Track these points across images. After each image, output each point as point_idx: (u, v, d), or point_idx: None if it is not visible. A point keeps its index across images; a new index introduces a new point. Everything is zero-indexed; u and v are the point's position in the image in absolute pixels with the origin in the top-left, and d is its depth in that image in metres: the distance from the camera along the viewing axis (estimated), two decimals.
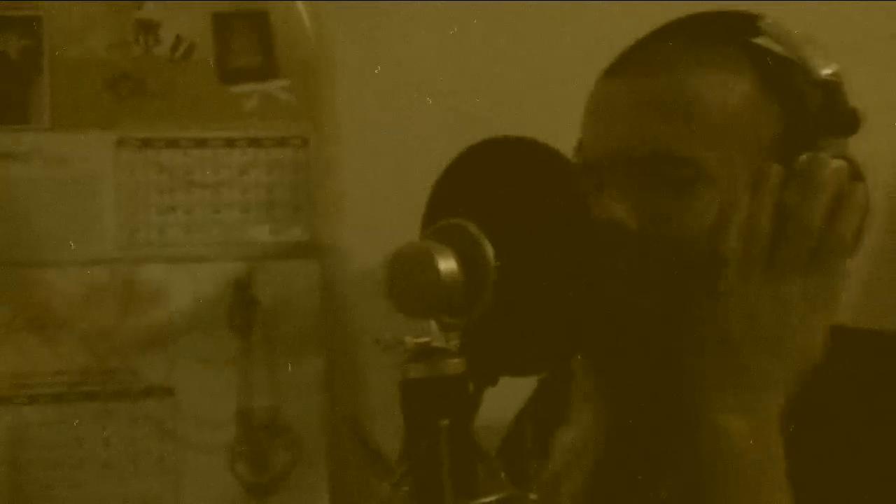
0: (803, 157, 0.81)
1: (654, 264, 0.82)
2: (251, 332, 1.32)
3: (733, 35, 0.87)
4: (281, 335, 1.33)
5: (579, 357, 0.85)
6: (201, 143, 1.33)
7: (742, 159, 0.83)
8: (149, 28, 1.32)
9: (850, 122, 0.83)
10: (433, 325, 0.69)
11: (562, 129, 0.93)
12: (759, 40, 0.87)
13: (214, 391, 1.31)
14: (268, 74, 1.34)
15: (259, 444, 1.32)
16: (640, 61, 0.86)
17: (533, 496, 0.69)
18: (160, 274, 1.31)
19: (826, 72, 0.83)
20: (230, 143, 1.33)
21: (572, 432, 0.87)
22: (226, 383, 1.31)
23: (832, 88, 0.83)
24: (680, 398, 0.80)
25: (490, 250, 0.69)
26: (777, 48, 0.86)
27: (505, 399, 0.83)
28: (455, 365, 0.68)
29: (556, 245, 0.70)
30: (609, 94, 0.87)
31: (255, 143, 1.34)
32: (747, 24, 0.86)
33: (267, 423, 1.32)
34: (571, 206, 0.71)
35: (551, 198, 0.71)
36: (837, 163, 0.81)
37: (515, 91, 1.36)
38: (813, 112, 0.83)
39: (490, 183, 0.73)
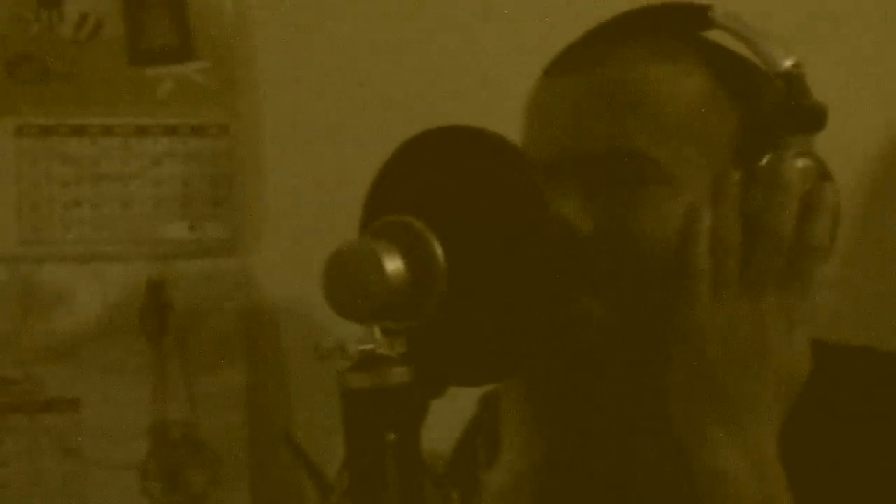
0: (766, 158, 0.81)
1: (611, 271, 0.82)
2: (165, 339, 1.31)
3: (683, 28, 0.87)
4: (198, 342, 1.32)
5: (510, 379, 0.84)
6: (110, 131, 1.32)
7: (700, 160, 0.83)
8: (51, 3, 1.30)
9: (814, 118, 0.83)
10: (377, 330, 0.69)
11: (505, 121, 0.93)
12: (712, 33, 0.87)
13: (124, 404, 1.30)
14: (183, 56, 1.33)
15: (174, 463, 1.31)
16: (586, 57, 0.86)
17: None
18: (65, 274, 1.30)
19: (786, 64, 0.83)
20: (142, 130, 1.32)
21: (500, 476, 0.86)
22: (137, 395, 1.30)
23: (793, 82, 0.83)
24: (645, 429, 0.81)
25: (439, 249, 0.68)
26: (731, 40, 0.86)
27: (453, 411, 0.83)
28: (401, 374, 0.68)
29: (511, 244, 0.70)
30: (555, 91, 0.86)
31: (169, 130, 1.33)
32: (697, 15, 0.86)
33: (182, 438, 1.31)
34: (528, 200, 0.70)
35: (505, 191, 0.71)
36: (803, 162, 0.82)
37: (454, 76, 1.36)
38: (773, 108, 0.83)
39: (437, 176, 0.73)
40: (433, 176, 0.73)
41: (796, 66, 0.83)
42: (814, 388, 0.80)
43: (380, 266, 0.67)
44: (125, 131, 1.32)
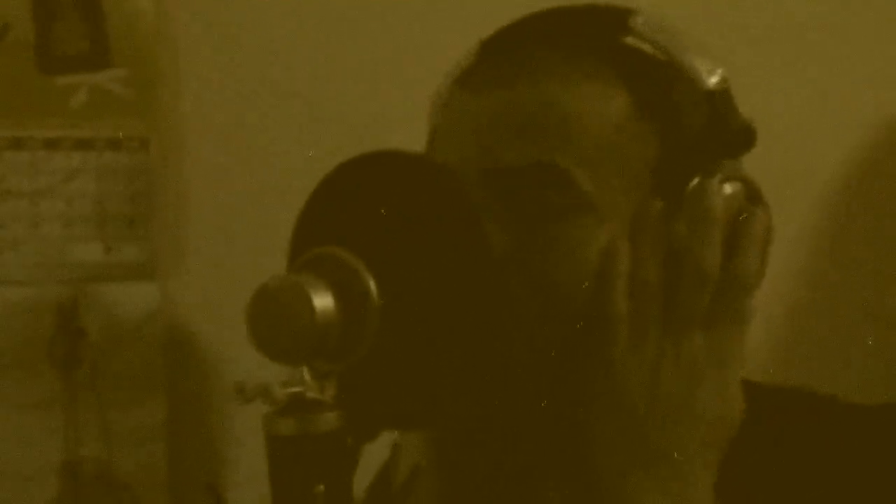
0: (691, 185, 0.81)
1: (530, 309, 0.81)
2: (77, 370, 1.30)
3: (601, 36, 0.86)
4: (113, 373, 1.31)
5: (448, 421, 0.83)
6: (17, 145, 1.30)
7: (622, 188, 0.82)
8: None
9: (742, 139, 0.83)
10: (305, 371, 0.69)
11: None
12: (632, 40, 0.86)
13: (33, 440, 1.29)
14: (98, 63, 1.32)
15: (88, 503, 1.29)
16: (503, 74, 0.85)
17: None
18: None
19: (711, 82, 0.83)
20: (52, 144, 1.31)
21: None
22: (47, 430, 1.29)
23: (719, 100, 0.83)
24: (554, 475, 0.81)
25: (373, 284, 0.69)
26: (652, 51, 0.85)
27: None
28: (331, 419, 0.69)
29: (450, 279, 0.70)
30: (470, 107, 0.86)
31: (83, 144, 1.32)
32: (618, 22, 0.86)
33: (97, 477, 1.30)
34: (467, 233, 0.71)
35: (443, 224, 0.71)
36: (731, 188, 0.82)
37: (389, 87, 1.37)
38: (698, 131, 0.83)
39: (369, 205, 0.73)
40: (365, 204, 0.73)
41: (722, 81, 0.84)
42: (747, 431, 0.81)
43: (308, 303, 0.68)
44: (34, 145, 1.31)
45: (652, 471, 0.78)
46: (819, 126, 1.49)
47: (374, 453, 0.74)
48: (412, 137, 0.90)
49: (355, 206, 0.74)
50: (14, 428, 1.29)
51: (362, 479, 0.74)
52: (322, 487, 0.67)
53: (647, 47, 0.85)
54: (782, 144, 1.41)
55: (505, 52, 0.87)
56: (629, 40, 0.86)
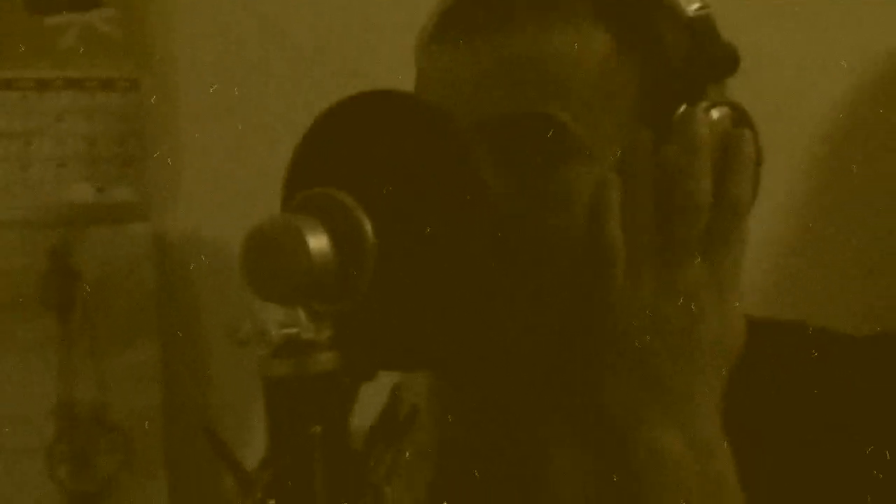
0: (678, 113, 0.82)
1: (528, 253, 0.82)
2: (71, 312, 1.31)
3: None
4: (107, 315, 1.31)
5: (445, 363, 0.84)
6: (7, 85, 1.30)
7: (611, 127, 0.83)
8: None
9: (726, 63, 0.84)
10: (301, 312, 0.69)
11: None
12: None
13: (28, 383, 1.29)
14: (88, 3, 1.31)
15: (83, 445, 1.30)
16: (482, 23, 0.85)
17: None
18: None
19: (692, 7, 0.84)
20: (43, 84, 1.31)
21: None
22: (42, 373, 1.30)
23: (700, 25, 0.84)
24: (561, 418, 0.82)
25: (368, 225, 0.69)
26: None
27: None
28: (328, 360, 0.69)
29: (445, 219, 0.70)
30: (454, 59, 0.85)
31: (73, 84, 1.31)
32: None
33: (92, 419, 1.31)
34: (462, 173, 0.71)
35: (438, 163, 0.71)
36: (717, 112, 0.82)
37: (383, 29, 1.36)
38: (681, 59, 0.83)
39: (364, 145, 0.73)
40: (360, 145, 0.73)
41: (702, 7, 0.84)
42: (747, 364, 0.82)
43: (304, 243, 0.67)
44: (24, 85, 1.31)
45: (658, 401, 0.79)
46: (818, 58, 1.48)
47: (375, 395, 0.74)
48: (406, 77, 0.90)
49: (350, 147, 0.74)
50: (8, 371, 1.29)
51: (360, 422, 0.74)
52: (319, 428, 0.68)
53: None
54: (781, 77, 1.41)
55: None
56: None
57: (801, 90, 1.47)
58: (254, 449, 0.71)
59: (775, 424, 0.86)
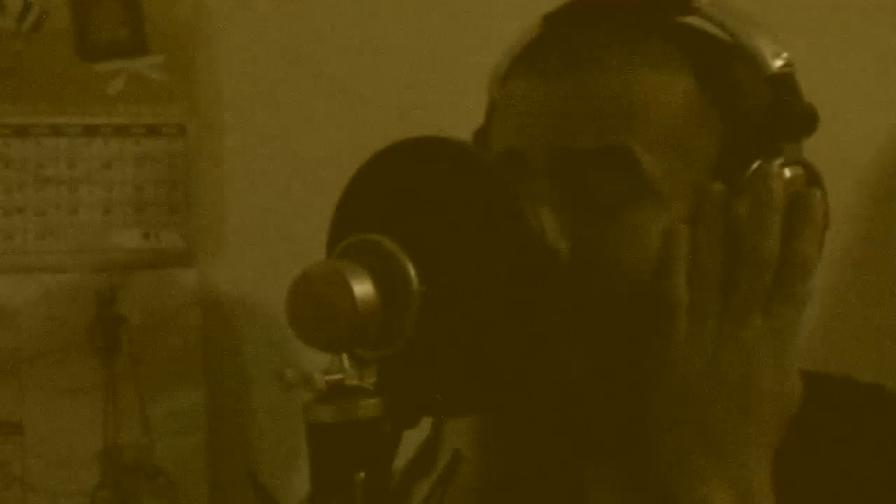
0: (752, 169, 0.82)
1: (588, 296, 0.82)
2: (117, 357, 1.31)
3: (665, 16, 0.87)
4: (153, 360, 1.32)
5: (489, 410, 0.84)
6: (56, 131, 1.31)
7: (685, 174, 0.83)
8: None
9: (805, 123, 0.84)
10: (346, 359, 0.70)
11: (478, 121, 0.94)
12: (694, 20, 0.87)
13: (72, 427, 1.30)
14: (136, 50, 1.33)
15: (127, 490, 1.31)
16: (567, 61, 0.86)
17: None
18: (6, 287, 1.29)
19: (776, 63, 0.84)
20: (91, 130, 1.32)
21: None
22: (86, 417, 1.30)
23: (783, 83, 0.84)
24: (605, 461, 0.81)
25: (413, 272, 0.69)
26: (715, 31, 0.86)
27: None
28: (372, 406, 0.69)
29: (490, 266, 0.70)
30: (536, 94, 0.86)
31: (121, 131, 1.33)
32: (681, 1, 0.86)
33: (136, 464, 1.31)
34: (508, 221, 0.71)
35: (484, 211, 0.72)
36: (791, 172, 0.82)
37: (427, 73, 1.37)
38: (761, 114, 0.83)
39: (410, 192, 0.74)
40: (405, 192, 0.74)
41: (787, 65, 0.84)
42: (803, 418, 0.82)
43: (349, 290, 0.68)
44: (72, 131, 1.32)
45: (711, 455, 0.78)
46: (864, 114, 1.48)
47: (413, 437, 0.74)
48: (451, 122, 0.90)
49: (395, 193, 0.74)
50: (55, 415, 1.29)
51: (401, 465, 0.74)
52: (362, 474, 0.68)
53: (711, 28, 0.86)
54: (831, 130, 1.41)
55: (570, 35, 0.88)
56: (693, 20, 0.87)
57: (850, 148, 1.46)
58: (296, 494, 0.71)
59: (822, 481, 0.85)
